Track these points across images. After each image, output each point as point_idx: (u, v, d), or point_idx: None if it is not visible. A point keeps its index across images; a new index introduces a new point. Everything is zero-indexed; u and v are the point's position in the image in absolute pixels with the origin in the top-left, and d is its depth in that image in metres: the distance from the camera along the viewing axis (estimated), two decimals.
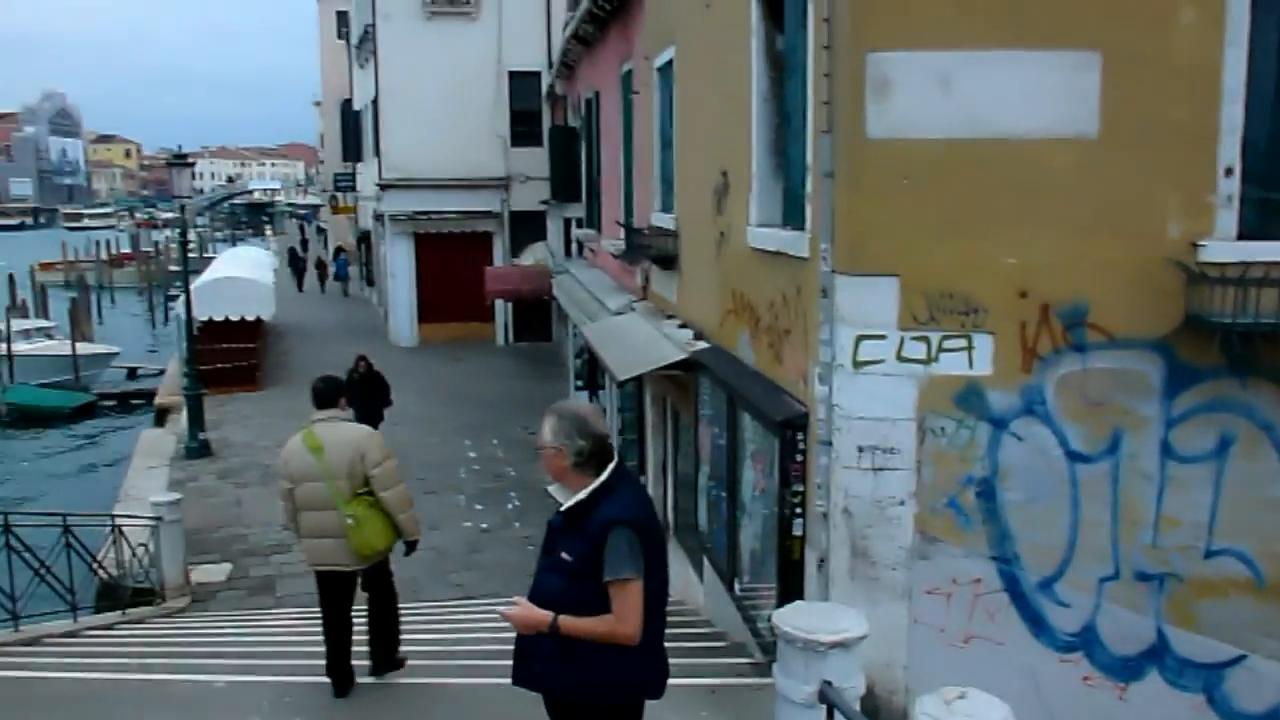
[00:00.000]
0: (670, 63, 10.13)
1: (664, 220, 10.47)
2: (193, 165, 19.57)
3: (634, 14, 12.34)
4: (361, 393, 14.22)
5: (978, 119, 5.42)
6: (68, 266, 53.66)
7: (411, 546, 6.58)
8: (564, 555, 3.70)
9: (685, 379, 9.35)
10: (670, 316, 10.17)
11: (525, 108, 27.22)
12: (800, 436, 6.16)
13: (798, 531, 6.25)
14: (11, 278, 38.56)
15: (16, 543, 8.62)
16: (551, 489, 3.95)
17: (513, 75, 27.24)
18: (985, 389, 5.53)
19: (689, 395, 9.35)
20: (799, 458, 6.19)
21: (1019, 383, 5.51)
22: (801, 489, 6.21)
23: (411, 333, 28.06)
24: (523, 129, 27.25)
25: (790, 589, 6.32)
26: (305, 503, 6.23)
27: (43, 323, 34.12)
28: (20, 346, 29.17)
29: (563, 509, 3.77)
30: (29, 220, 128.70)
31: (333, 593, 6.39)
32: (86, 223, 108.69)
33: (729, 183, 7.90)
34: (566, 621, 3.59)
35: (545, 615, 3.62)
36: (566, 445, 3.71)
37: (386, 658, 6.69)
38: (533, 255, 25.93)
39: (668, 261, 10.20)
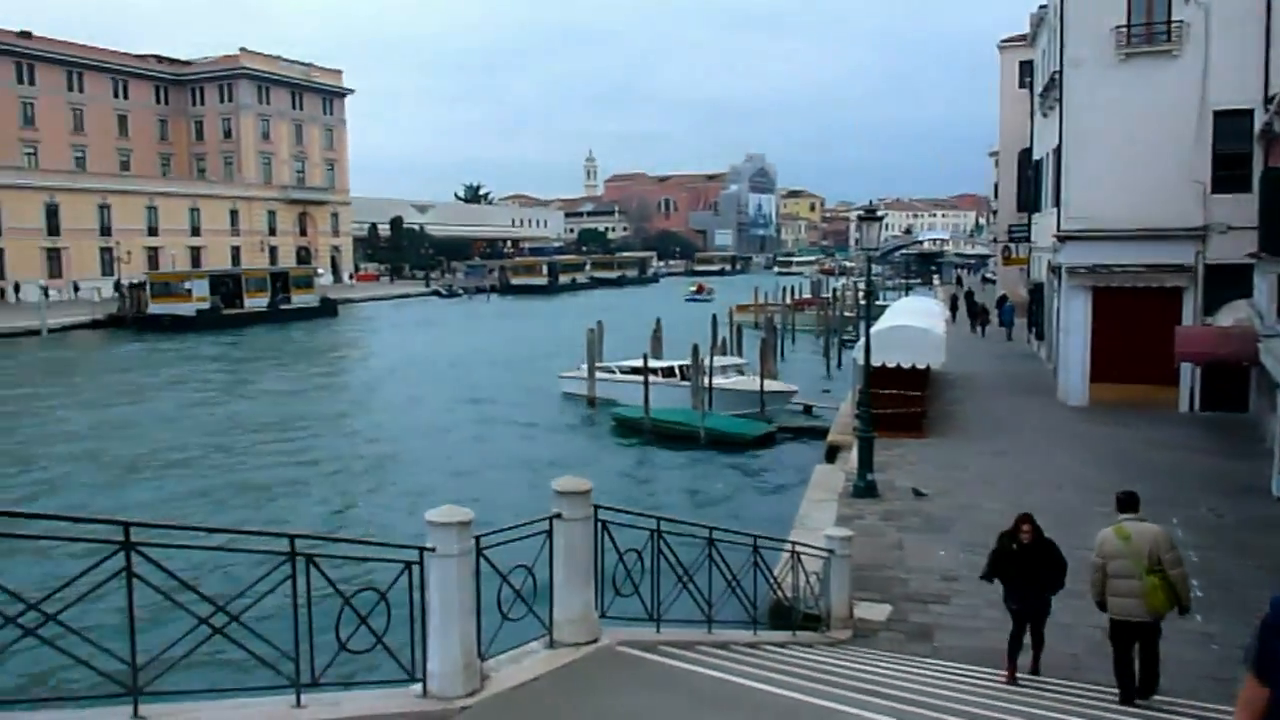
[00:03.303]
0: None
1: None
2: (882, 219, 20.69)
3: None
4: (1023, 564, 10.11)
5: None
6: (758, 309, 59.92)
7: (1184, 611, 9.26)
8: None
9: None
10: None
11: (1230, 149, 24.67)
12: None
13: None
14: (714, 318, 43.93)
15: (716, 555, 9.66)
16: None
17: (1217, 114, 24.79)
18: None
19: None
20: None
21: None
22: None
23: (1082, 391, 26.73)
24: (1226, 173, 24.72)
25: None
26: (1114, 573, 9.16)
27: (737, 359, 38.48)
28: (719, 381, 33.25)
29: None
30: (728, 267, 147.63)
31: (1125, 636, 9.31)
32: (794, 269, 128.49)
33: None
34: None
35: None
36: None
37: (1149, 687, 9.43)
38: (1233, 314, 23.18)
39: None
